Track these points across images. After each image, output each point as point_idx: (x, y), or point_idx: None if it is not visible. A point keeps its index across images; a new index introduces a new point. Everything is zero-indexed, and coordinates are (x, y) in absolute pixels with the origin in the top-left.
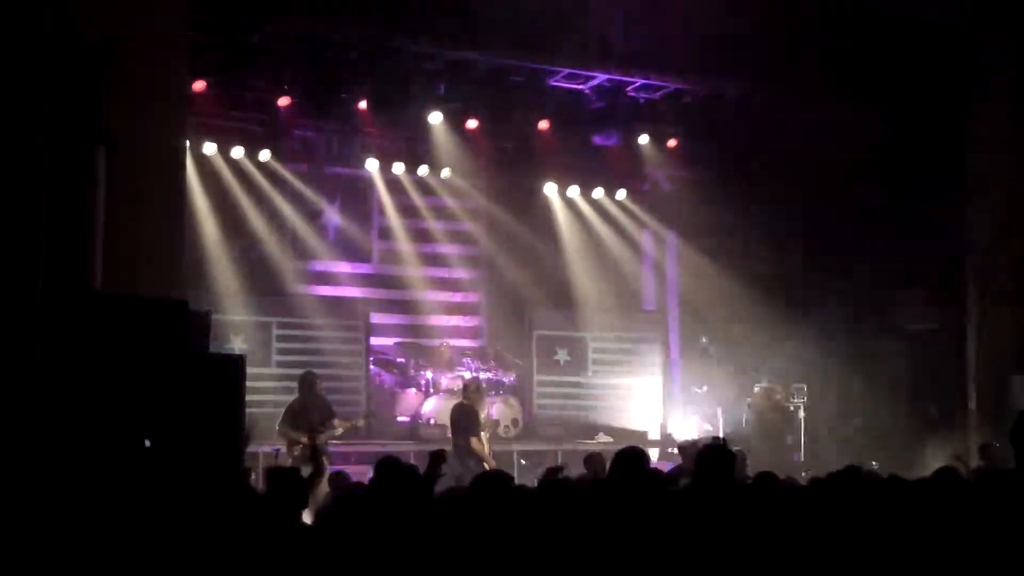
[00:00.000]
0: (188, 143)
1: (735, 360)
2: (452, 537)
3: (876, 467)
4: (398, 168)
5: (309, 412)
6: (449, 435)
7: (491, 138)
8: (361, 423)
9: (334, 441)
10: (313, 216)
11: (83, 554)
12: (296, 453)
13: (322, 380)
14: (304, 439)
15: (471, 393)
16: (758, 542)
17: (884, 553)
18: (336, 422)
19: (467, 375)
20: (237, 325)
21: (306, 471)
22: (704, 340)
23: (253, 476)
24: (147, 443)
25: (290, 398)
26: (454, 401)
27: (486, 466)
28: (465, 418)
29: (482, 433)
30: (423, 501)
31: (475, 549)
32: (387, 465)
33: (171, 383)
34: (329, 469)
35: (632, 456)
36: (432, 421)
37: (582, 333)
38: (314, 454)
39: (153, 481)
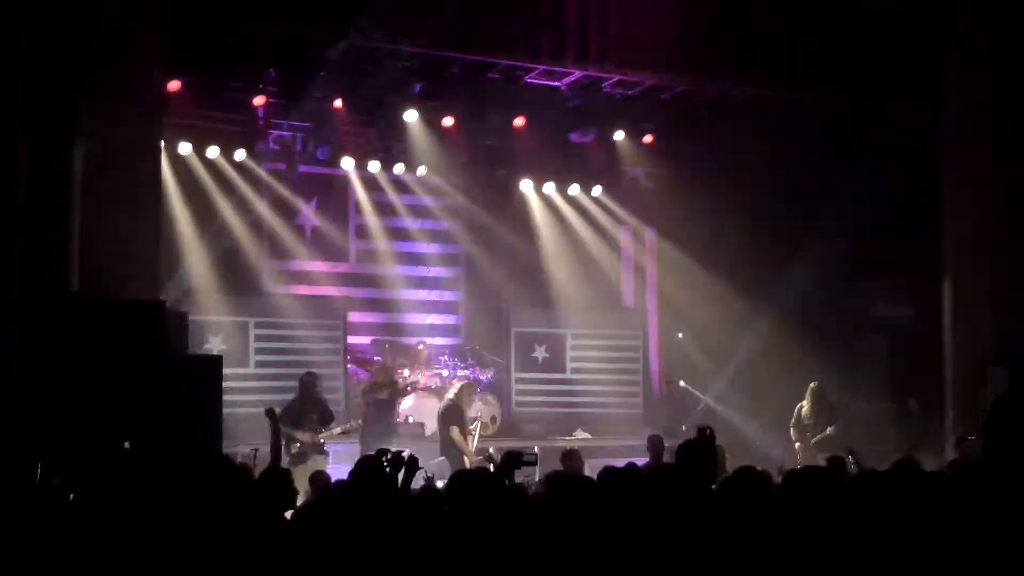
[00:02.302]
0: (164, 143)
1: (713, 355)
2: (429, 536)
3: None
4: (374, 166)
5: (309, 412)
6: (435, 433)
7: (467, 136)
8: (358, 424)
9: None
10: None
11: (64, 554)
12: (294, 451)
13: (322, 381)
14: (304, 438)
15: (463, 395)
16: (743, 535)
17: (865, 546)
18: (334, 423)
19: (445, 373)
20: (215, 325)
21: (305, 470)
22: (680, 335)
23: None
24: (126, 445)
25: (269, 398)
26: (432, 399)
27: (466, 461)
28: (452, 414)
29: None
30: (398, 501)
31: (454, 548)
32: (363, 467)
33: (149, 384)
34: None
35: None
36: (411, 419)
37: (560, 330)
38: (275, 455)
39: (132, 482)
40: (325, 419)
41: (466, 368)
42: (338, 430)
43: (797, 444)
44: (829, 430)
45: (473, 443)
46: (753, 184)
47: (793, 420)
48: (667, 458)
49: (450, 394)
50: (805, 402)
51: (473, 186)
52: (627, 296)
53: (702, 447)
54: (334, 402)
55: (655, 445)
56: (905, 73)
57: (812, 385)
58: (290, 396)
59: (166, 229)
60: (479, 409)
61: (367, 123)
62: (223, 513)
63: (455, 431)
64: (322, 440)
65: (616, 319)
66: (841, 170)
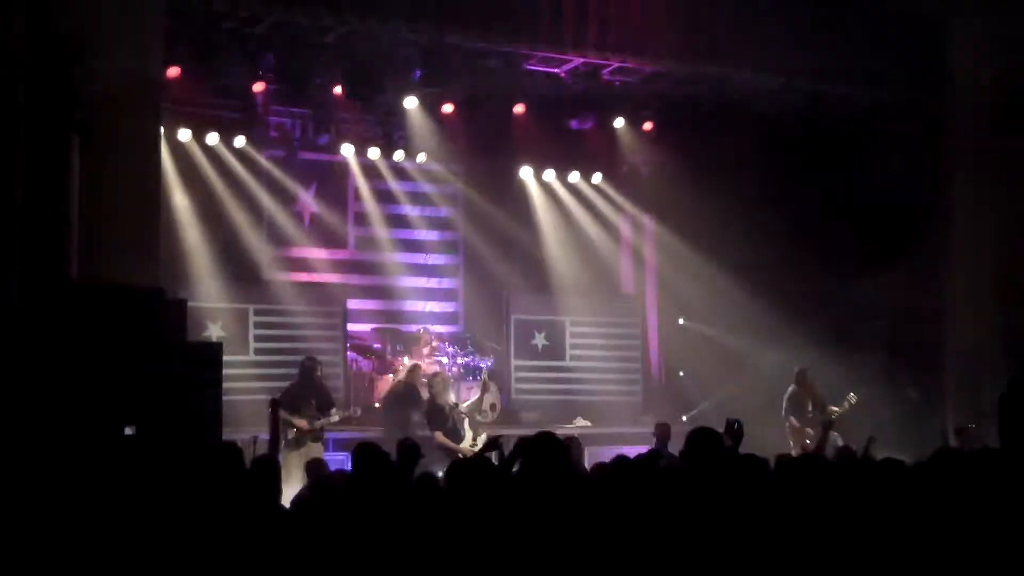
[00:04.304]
0: (163, 130)
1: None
2: (430, 524)
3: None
4: (373, 153)
5: (308, 398)
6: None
7: (467, 122)
8: (358, 413)
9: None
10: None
11: (64, 541)
12: (290, 437)
13: (323, 367)
14: (301, 424)
15: (434, 387)
16: (748, 521)
17: (872, 533)
18: (334, 410)
19: (445, 360)
20: (214, 312)
21: (300, 456)
22: (681, 321)
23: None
24: (128, 431)
25: (268, 385)
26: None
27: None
28: (431, 418)
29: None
30: (400, 488)
31: (453, 535)
32: (365, 452)
33: (148, 371)
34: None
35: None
36: None
37: (560, 317)
38: (273, 446)
39: (132, 469)
40: (324, 406)
41: (465, 355)
42: (336, 418)
43: (808, 431)
44: (835, 412)
45: (465, 427)
46: (753, 172)
47: (792, 407)
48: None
49: (425, 395)
50: (797, 388)
51: (473, 173)
52: (626, 283)
53: (707, 433)
54: (334, 389)
55: (662, 432)
56: (907, 63)
57: (800, 369)
58: (289, 383)
59: (165, 216)
60: (474, 395)
61: (367, 110)
62: (224, 500)
63: (438, 436)
64: (319, 427)
65: (615, 306)
66: (842, 159)
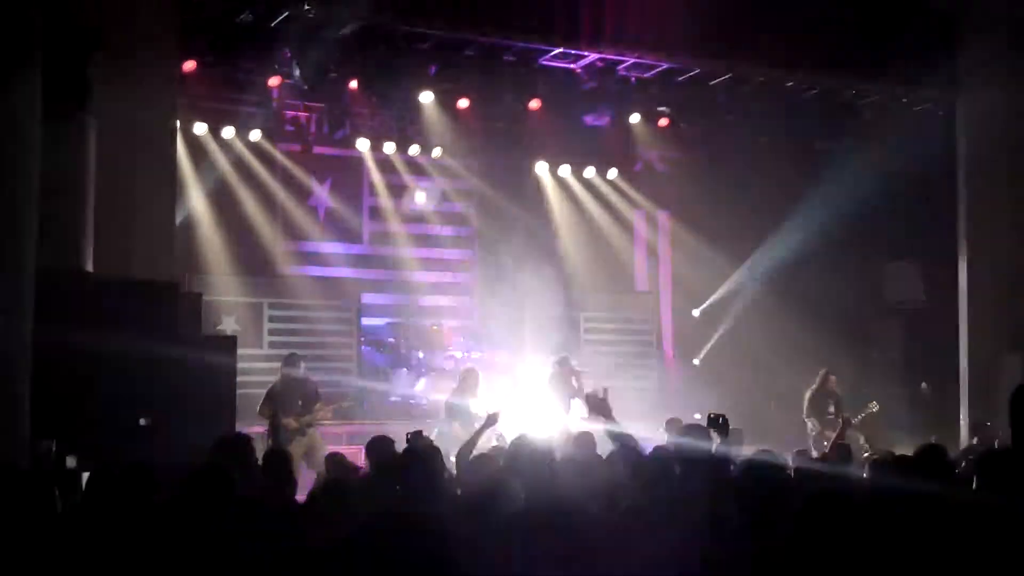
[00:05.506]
0: (179, 124)
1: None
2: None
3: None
4: (389, 148)
5: (291, 395)
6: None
7: (482, 118)
8: (345, 405)
9: (329, 421)
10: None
11: (78, 532)
12: (278, 436)
13: (304, 361)
14: (288, 423)
15: (466, 385)
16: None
17: (877, 534)
18: (319, 405)
19: (459, 355)
20: (229, 306)
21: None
22: (695, 313)
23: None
24: (143, 421)
25: None
26: (446, 381)
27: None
28: (451, 409)
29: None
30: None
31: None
32: (378, 445)
33: (163, 363)
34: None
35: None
36: (424, 400)
37: (574, 312)
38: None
39: (146, 460)
40: (308, 401)
41: (479, 350)
42: (323, 412)
43: (828, 434)
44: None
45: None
46: (768, 168)
47: (812, 408)
48: None
49: (455, 385)
50: (818, 390)
51: (488, 168)
52: (640, 279)
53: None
54: (347, 383)
55: (674, 428)
56: (923, 56)
57: (824, 372)
58: (273, 382)
59: (180, 209)
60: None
61: (382, 105)
62: (238, 490)
63: (455, 427)
64: (307, 422)
65: (630, 302)
66: (857, 154)
